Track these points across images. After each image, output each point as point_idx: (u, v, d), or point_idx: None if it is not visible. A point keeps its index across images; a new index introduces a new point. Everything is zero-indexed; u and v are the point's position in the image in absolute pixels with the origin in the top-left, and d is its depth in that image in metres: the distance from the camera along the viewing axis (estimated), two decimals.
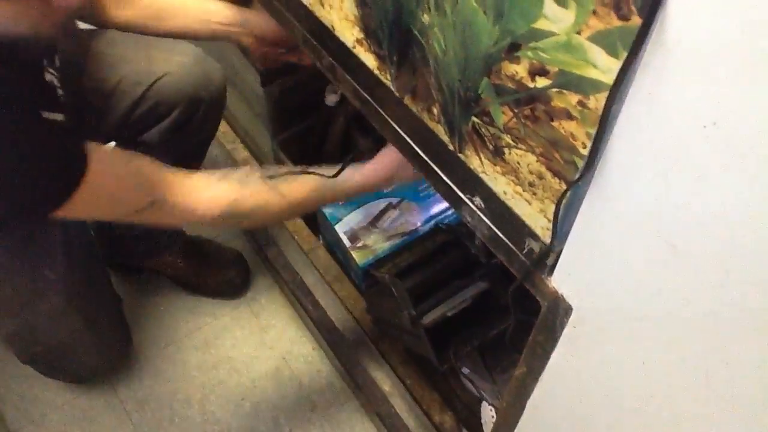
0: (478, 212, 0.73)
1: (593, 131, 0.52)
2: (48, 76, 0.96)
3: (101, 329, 1.29)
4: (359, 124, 1.41)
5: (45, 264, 1.15)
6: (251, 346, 1.50)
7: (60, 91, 1.01)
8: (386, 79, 0.76)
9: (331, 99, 1.38)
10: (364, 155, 1.43)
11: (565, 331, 0.70)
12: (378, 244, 1.27)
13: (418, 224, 1.28)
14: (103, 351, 1.33)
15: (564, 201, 0.59)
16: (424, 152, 0.78)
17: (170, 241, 1.49)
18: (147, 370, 1.46)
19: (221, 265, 1.56)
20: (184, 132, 1.19)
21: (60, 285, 1.17)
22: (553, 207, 0.62)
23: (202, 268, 1.54)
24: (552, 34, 0.51)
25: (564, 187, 0.59)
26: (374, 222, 1.30)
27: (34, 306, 1.17)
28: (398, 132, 0.81)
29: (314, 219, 1.45)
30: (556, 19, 0.50)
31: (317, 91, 1.39)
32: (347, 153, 1.48)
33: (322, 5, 0.80)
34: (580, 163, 0.55)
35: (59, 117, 1.00)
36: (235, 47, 1.34)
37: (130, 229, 1.41)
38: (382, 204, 1.31)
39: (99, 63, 1.15)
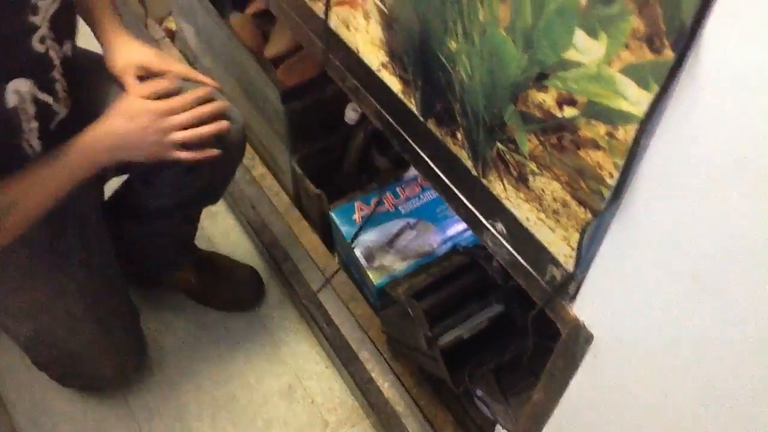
0: (500, 238, 0.73)
1: (621, 162, 0.52)
2: (39, 47, 0.92)
3: (117, 339, 1.30)
4: (378, 142, 1.41)
5: (64, 271, 1.16)
6: (264, 361, 1.50)
7: (57, 75, 0.99)
8: (410, 102, 0.77)
9: (350, 117, 1.38)
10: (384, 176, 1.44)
11: (586, 359, 0.70)
12: (394, 264, 1.27)
13: (435, 245, 1.28)
14: (117, 361, 1.33)
15: (588, 230, 0.59)
16: (446, 176, 0.78)
17: (182, 257, 1.50)
18: (159, 382, 1.46)
19: (234, 280, 1.56)
20: (196, 175, 1.16)
21: (78, 293, 1.18)
22: (576, 235, 0.62)
23: (216, 283, 1.54)
24: (582, 64, 0.51)
25: (589, 216, 0.59)
26: (391, 242, 1.29)
27: (52, 312, 1.18)
28: (420, 155, 0.81)
29: (330, 236, 1.45)
30: (586, 51, 0.50)
31: (337, 109, 1.40)
32: (365, 171, 1.49)
33: (347, 28, 0.81)
34: (607, 193, 0.55)
35: (48, 99, 0.98)
36: (257, 65, 1.35)
37: (142, 244, 1.42)
38: (399, 224, 1.31)
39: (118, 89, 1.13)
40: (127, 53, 1.10)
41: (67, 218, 1.13)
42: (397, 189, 1.36)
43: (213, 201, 1.37)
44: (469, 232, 1.28)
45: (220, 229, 1.70)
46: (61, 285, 1.16)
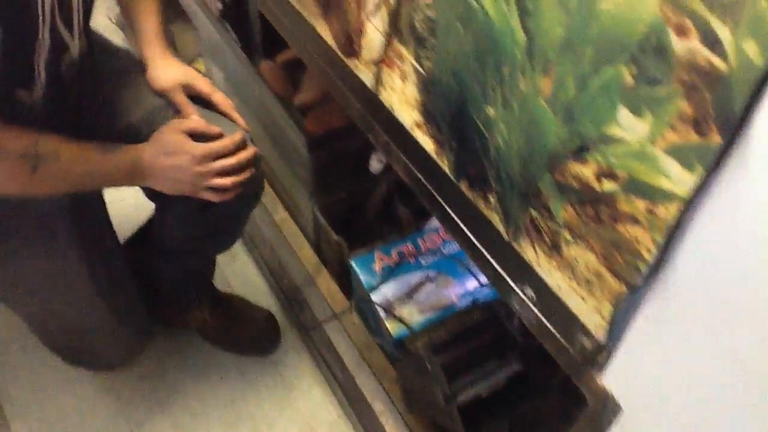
0: (528, 302, 0.73)
1: (661, 239, 0.52)
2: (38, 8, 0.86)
3: (125, 315, 1.29)
4: (401, 193, 1.42)
5: (73, 252, 1.15)
6: (275, 406, 1.49)
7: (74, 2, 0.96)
8: (443, 163, 0.77)
9: (375, 167, 1.39)
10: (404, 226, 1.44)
11: (612, 430, 0.69)
12: (413, 316, 1.27)
13: (455, 299, 1.27)
14: (124, 338, 1.32)
15: (623, 303, 0.59)
16: (475, 237, 0.78)
17: (198, 297, 1.50)
18: (169, 422, 1.45)
19: (250, 323, 1.56)
20: (211, 213, 1.15)
21: (86, 273, 1.17)
22: (610, 307, 0.61)
23: (231, 325, 1.54)
24: (624, 141, 0.52)
25: (624, 289, 0.58)
26: (410, 294, 1.29)
27: (59, 291, 1.17)
28: (449, 213, 0.81)
29: (349, 284, 1.44)
30: (629, 128, 0.51)
31: (362, 158, 1.41)
32: (387, 221, 1.49)
33: (384, 87, 0.82)
34: (644, 268, 0.55)
35: (63, 29, 0.94)
36: (285, 112, 1.37)
37: (160, 280, 1.42)
38: (419, 276, 1.30)
39: (139, 97, 1.14)
40: (173, 71, 1.11)
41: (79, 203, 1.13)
42: (419, 240, 1.36)
43: (230, 242, 1.37)
44: (489, 288, 1.28)
45: (237, 271, 1.70)
46: (70, 265, 1.15)
